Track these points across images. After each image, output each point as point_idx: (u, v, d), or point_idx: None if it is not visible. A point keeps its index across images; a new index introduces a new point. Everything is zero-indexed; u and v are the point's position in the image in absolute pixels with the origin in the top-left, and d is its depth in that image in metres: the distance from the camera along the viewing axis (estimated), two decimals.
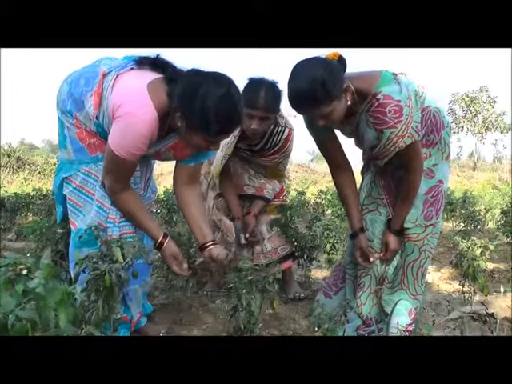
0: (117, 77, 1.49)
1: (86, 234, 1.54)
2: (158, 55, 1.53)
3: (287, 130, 2.30)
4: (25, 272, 0.86)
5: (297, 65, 1.53)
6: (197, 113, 1.39)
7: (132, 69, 1.52)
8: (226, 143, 2.22)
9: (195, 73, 1.45)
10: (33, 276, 0.85)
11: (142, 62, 1.52)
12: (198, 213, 1.74)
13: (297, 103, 1.57)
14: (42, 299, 0.82)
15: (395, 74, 1.62)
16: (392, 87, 1.57)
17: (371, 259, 1.80)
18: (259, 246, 2.47)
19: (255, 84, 2.09)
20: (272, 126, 2.25)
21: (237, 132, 2.18)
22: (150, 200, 1.87)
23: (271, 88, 2.09)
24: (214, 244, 1.69)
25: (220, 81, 1.42)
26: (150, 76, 1.48)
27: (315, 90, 1.46)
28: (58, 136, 1.67)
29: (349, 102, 1.56)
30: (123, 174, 1.55)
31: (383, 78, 1.59)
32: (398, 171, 1.77)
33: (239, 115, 1.46)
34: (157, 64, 1.52)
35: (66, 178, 1.65)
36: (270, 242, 2.48)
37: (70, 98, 1.58)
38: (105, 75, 1.51)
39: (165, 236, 1.62)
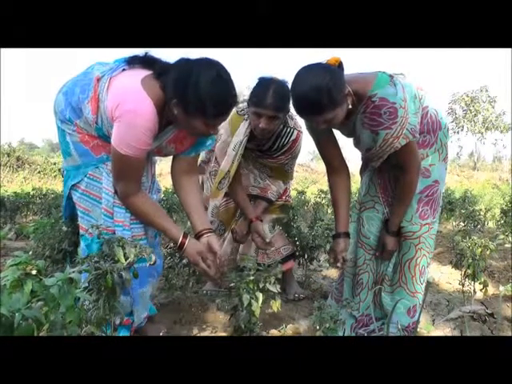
0: (110, 79, 1.51)
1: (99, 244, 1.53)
2: (146, 53, 1.56)
3: (296, 132, 2.27)
4: (34, 272, 0.86)
5: (300, 72, 1.54)
6: (192, 98, 1.42)
7: (124, 70, 1.54)
8: (239, 142, 2.19)
9: (184, 61, 1.48)
10: (42, 277, 0.86)
11: (132, 62, 1.56)
12: (197, 201, 1.75)
13: (302, 110, 1.59)
14: (53, 301, 0.82)
15: (391, 76, 1.63)
16: (387, 89, 1.58)
17: (338, 264, 1.85)
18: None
19: (264, 83, 2.06)
20: (281, 127, 2.22)
21: (248, 131, 2.18)
22: (156, 200, 1.87)
23: (280, 87, 2.06)
24: (211, 232, 1.69)
25: (209, 64, 1.46)
26: (142, 73, 1.51)
27: (321, 99, 1.47)
28: (61, 145, 1.67)
29: (350, 106, 1.58)
30: (133, 175, 1.56)
31: (378, 81, 1.60)
32: (394, 170, 1.78)
33: (233, 94, 1.48)
34: (146, 61, 1.55)
35: (73, 185, 1.64)
36: (273, 241, 2.48)
37: (67, 107, 1.59)
38: (99, 80, 1.53)
39: (185, 235, 1.62)
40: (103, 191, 1.60)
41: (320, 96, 1.47)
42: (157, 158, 1.88)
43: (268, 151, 2.31)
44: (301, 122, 2.22)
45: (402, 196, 1.75)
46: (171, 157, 1.78)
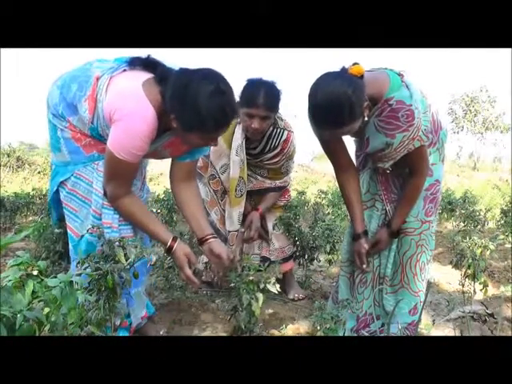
0: (110, 79, 1.48)
1: (90, 245, 1.53)
2: (148, 55, 1.52)
3: (286, 133, 2.29)
4: (35, 273, 0.86)
5: (322, 81, 1.50)
6: (190, 112, 1.38)
7: (124, 70, 1.51)
8: (239, 145, 2.22)
9: (183, 73, 1.44)
10: (43, 277, 0.86)
11: (133, 63, 1.52)
12: (196, 208, 1.73)
13: (320, 122, 1.55)
14: (54, 302, 0.82)
15: (401, 75, 1.61)
16: (403, 92, 1.56)
17: (364, 266, 1.82)
18: (266, 242, 2.49)
19: (254, 84, 2.09)
20: (271, 128, 2.24)
21: (243, 133, 2.20)
22: (146, 200, 1.85)
23: (270, 87, 2.10)
24: (213, 237, 1.68)
25: (209, 77, 1.41)
26: (143, 76, 1.47)
27: (343, 113, 1.45)
28: (51, 139, 1.64)
29: (366, 118, 1.56)
30: (126, 178, 1.54)
31: (393, 83, 1.58)
32: (398, 169, 1.77)
33: (232, 107, 1.44)
34: (148, 64, 1.51)
35: (61, 182, 1.62)
36: (277, 240, 2.49)
37: (62, 103, 1.56)
38: (98, 79, 1.50)
39: (174, 239, 1.60)
40: (93, 192, 1.58)
41: (342, 111, 1.44)
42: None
43: (260, 154, 2.32)
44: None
45: (408, 197, 1.74)
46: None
